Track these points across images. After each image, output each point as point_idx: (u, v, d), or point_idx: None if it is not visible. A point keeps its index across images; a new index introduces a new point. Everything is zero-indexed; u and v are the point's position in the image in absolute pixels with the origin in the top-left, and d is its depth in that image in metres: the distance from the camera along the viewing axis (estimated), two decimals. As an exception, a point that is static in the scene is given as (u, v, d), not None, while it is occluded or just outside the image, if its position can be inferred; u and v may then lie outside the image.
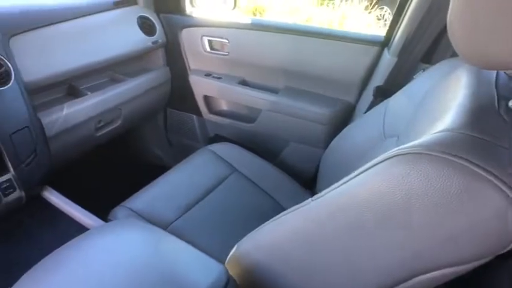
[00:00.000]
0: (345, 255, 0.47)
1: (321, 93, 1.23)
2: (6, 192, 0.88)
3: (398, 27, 1.02)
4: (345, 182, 0.47)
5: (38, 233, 0.91)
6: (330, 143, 1.03)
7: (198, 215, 0.99)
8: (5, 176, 0.89)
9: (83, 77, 1.23)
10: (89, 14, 1.21)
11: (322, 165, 1.02)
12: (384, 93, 1.03)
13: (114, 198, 1.00)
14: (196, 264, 0.60)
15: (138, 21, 1.32)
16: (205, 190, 1.06)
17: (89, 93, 1.21)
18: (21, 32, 0.98)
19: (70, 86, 1.21)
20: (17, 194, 0.90)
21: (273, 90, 1.26)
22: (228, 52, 1.29)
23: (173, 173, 1.15)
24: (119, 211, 0.95)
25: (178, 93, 1.53)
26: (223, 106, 1.47)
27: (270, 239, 0.57)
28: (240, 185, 1.11)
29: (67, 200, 0.97)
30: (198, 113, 1.52)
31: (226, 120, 1.43)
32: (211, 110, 1.48)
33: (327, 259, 0.49)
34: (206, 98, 1.45)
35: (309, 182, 1.22)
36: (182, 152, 1.69)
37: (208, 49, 1.34)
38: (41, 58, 1.02)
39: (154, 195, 1.03)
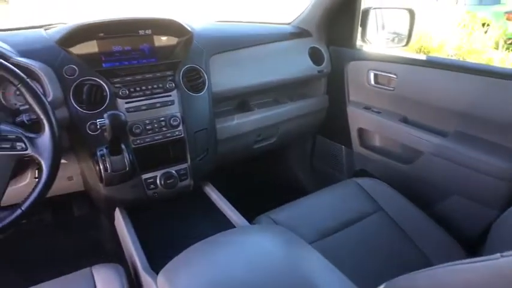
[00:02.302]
0: None
1: (501, 143, 1.04)
2: (182, 178, 1.06)
3: None
4: None
5: (195, 218, 1.05)
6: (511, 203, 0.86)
7: (334, 244, 0.96)
8: (184, 164, 1.07)
9: (253, 94, 1.40)
10: (270, 42, 1.38)
11: (498, 228, 0.85)
12: None
13: (254, 206, 1.08)
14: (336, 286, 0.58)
15: (309, 51, 1.43)
16: (345, 221, 1.03)
17: (256, 109, 1.36)
18: (219, 52, 1.19)
19: (242, 100, 1.39)
20: (188, 181, 1.08)
21: (440, 133, 1.14)
22: (394, 87, 1.25)
23: (315, 197, 1.16)
24: (263, 219, 1.01)
25: (332, 121, 1.56)
26: (377, 141, 1.42)
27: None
28: (384, 225, 1.04)
29: (221, 197, 1.09)
30: (348, 144, 1.51)
31: (378, 157, 1.37)
32: (363, 144, 1.44)
33: None
34: (360, 131, 1.43)
35: (465, 240, 1.03)
36: (323, 180, 1.70)
37: (372, 83, 1.33)
38: (227, 74, 1.21)
39: (296, 213, 1.06)
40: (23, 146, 0.71)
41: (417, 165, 1.22)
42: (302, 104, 1.48)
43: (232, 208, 1.03)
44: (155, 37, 1.08)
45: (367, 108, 1.38)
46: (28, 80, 0.72)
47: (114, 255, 1.11)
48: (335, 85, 1.49)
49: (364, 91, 1.38)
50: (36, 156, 0.72)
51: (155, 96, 1.03)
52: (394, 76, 1.24)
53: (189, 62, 1.10)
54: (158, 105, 1.03)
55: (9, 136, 0.70)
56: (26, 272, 1.23)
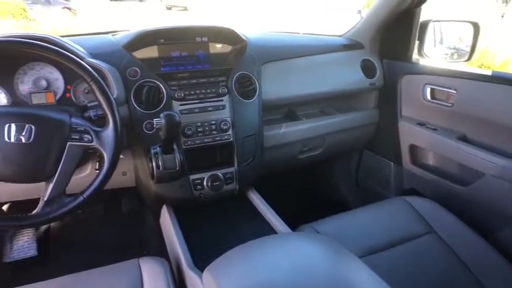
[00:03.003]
0: None
1: None
2: (228, 182, 1.08)
3: None
4: None
5: (237, 221, 1.06)
6: None
7: (381, 263, 0.92)
8: (230, 168, 1.09)
9: (302, 104, 1.40)
10: (322, 53, 1.37)
11: None
12: None
13: (295, 216, 1.07)
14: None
15: (361, 64, 1.40)
16: (393, 240, 0.98)
17: (303, 118, 1.35)
18: (272, 61, 1.21)
19: (290, 110, 1.39)
20: (233, 185, 1.09)
21: (504, 153, 1.06)
22: (453, 103, 1.18)
23: (361, 212, 1.12)
24: (306, 229, 1.00)
25: (381, 137, 1.51)
26: (431, 160, 1.34)
27: None
28: (435, 248, 0.97)
29: (265, 203, 1.09)
30: (398, 161, 1.45)
31: (431, 176, 1.29)
32: (414, 161, 1.38)
33: None
34: (412, 148, 1.36)
35: None
36: (368, 196, 1.64)
37: (428, 98, 1.27)
38: (278, 82, 1.22)
39: (341, 226, 1.03)
40: (90, 138, 0.76)
41: (476, 188, 1.13)
42: (351, 116, 1.45)
43: (276, 215, 1.03)
44: (210, 44, 1.13)
45: (421, 124, 1.31)
46: (99, 78, 0.78)
47: (157, 250, 1.14)
48: (387, 99, 1.45)
49: (419, 106, 1.32)
50: (100, 148, 0.77)
51: (208, 100, 1.06)
52: (454, 91, 1.17)
53: (242, 69, 1.12)
54: (210, 108, 1.06)
55: (78, 128, 0.76)
56: (78, 256, 1.32)
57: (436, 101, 1.25)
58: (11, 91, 0.92)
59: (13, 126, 0.70)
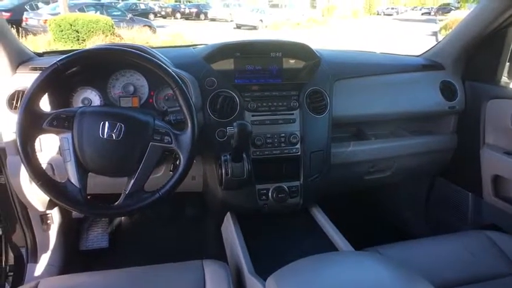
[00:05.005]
0: None
1: None
2: (292, 195, 1.07)
3: None
4: None
5: (300, 235, 1.04)
6: None
7: None
8: (296, 182, 1.08)
9: (371, 124, 1.35)
10: (397, 72, 1.32)
11: None
12: None
13: (356, 238, 1.01)
14: None
15: (440, 85, 1.32)
16: (471, 276, 0.89)
17: (373, 138, 1.31)
18: (345, 78, 1.20)
19: (358, 129, 1.35)
20: (298, 199, 1.08)
21: None
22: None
23: (433, 241, 1.04)
24: (371, 251, 0.95)
25: (459, 165, 1.39)
26: (519, 194, 1.20)
27: None
28: None
29: (329, 221, 1.06)
30: (478, 192, 1.32)
31: None
32: (498, 194, 1.24)
33: None
34: (497, 179, 1.24)
35: None
36: (438, 228, 1.51)
37: (518, 125, 1.15)
38: (349, 100, 1.20)
39: (409, 253, 0.96)
40: (169, 139, 0.82)
41: None
42: (425, 140, 1.36)
43: (339, 233, 0.99)
44: (284, 59, 1.15)
45: (508, 153, 1.19)
46: (182, 85, 0.84)
47: (215, 256, 1.17)
48: (468, 124, 1.34)
49: (507, 134, 1.20)
50: (178, 149, 0.82)
51: (279, 113, 1.08)
52: None
53: (314, 84, 1.12)
54: (280, 121, 1.07)
55: (160, 130, 0.82)
56: (143, 251, 1.40)
57: None
58: (104, 94, 1.03)
59: (107, 123, 0.78)
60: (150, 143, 0.80)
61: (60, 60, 0.77)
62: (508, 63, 1.24)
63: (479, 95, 1.29)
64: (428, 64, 1.38)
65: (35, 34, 8.61)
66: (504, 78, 1.27)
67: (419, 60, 1.42)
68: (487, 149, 1.26)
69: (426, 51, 1.47)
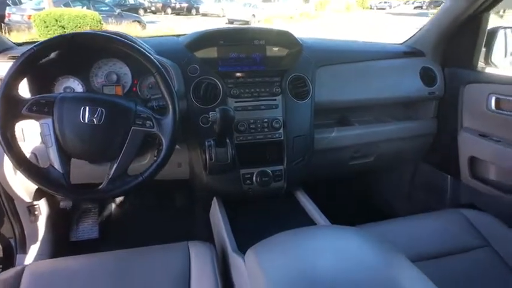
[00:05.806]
0: None
1: None
2: (276, 179, 1.10)
3: None
4: None
5: (284, 218, 1.07)
6: None
7: (431, 270, 0.85)
8: (279, 166, 1.11)
9: (354, 110, 1.38)
10: (379, 59, 1.35)
11: None
12: None
13: (341, 221, 1.05)
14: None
15: (420, 71, 1.36)
16: (444, 250, 0.94)
17: (356, 124, 1.34)
18: (327, 65, 1.22)
19: (342, 115, 1.39)
20: (281, 183, 1.11)
21: None
22: (521, 114, 1.10)
23: (412, 220, 1.09)
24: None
25: (439, 148, 1.43)
26: (494, 174, 1.25)
27: None
28: (490, 263, 0.91)
29: (312, 203, 1.09)
30: (456, 174, 1.36)
31: (492, 191, 1.20)
32: (474, 175, 1.29)
33: None
34: (473, 160, 1.28)
35: None
36: (420, 210, 1.56)
37: (493, 108, 1.19)
38: (332, 86, 1.23)
39: (389, 230, 1.01)
40: (151, 124, 0.83)
41: None
42: (407, 125, 1.40)
43: (322, 214, 1.02)
44: (267, 47, 1.17)
45: (483, 135, 1.23)
46: (163, 70, 0.86)
47: (204, 240, 1.20)
48: (447, 109, 1.38)
49: (482, 117, 1.24)
50: (159, 134, 0.84)
51: (261, 98, 1.10)
52: None
53: (296, 70, 1.15)
54: (263, 107, 1.10)
55: (142, 115, 0.84)
56: (133, 239, 1.43)
57: (502, 112, 1.17)
58: (86, 83, 1.03)
59: (87, 108, 0.79)
60: (132, 127, 0.81)
61: (37, 44, 0.77)
62: (484, 49, 1.28)
63: (457, 80, 1.33)
64: (409, 51, 1.42)
65: (18, 30, 8.35)
66: (480, 63, 1.31)
67: (400, 48, 1.46)
68: (464, 132, 1.31)
69: (408, 39, 1.50)
